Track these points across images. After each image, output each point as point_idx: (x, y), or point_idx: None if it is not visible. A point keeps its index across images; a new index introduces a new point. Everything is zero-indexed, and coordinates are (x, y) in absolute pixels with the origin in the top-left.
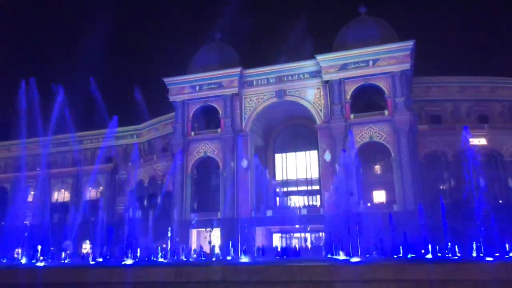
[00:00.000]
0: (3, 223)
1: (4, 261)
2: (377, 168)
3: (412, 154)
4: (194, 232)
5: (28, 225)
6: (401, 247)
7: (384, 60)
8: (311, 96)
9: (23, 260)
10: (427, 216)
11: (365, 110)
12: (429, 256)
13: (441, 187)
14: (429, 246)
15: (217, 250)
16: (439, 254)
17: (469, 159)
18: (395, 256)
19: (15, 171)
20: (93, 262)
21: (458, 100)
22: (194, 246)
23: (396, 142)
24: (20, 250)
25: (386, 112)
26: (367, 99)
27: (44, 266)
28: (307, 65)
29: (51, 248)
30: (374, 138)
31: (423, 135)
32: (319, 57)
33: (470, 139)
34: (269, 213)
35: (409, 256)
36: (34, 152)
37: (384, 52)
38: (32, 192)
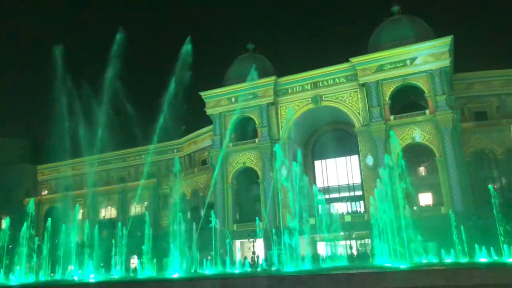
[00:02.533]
0: (56, 240)
1: (58, 277)
2: (422, 170)
3: (457, 153)
4: (237, 243)
5: (79, 242)
6: (451, 250)
7: (422, 58)
8: (348, 100)
9: (76, 276)
10: (478, 217)
11: (405, 111)
12: (483, 259)
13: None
14: (482, 249)
15: (261, 260)
16: (495, 258)
17: None
18: (446, 261)
19: (65, 191)
20: (142, 276)
21: (504, 94)
22: (238, 256)
23: (440, 142)
24: (72, 267)
25: (427, 111)
26: (407, 99)
27: (96, 281)
28: (342, 69)
29: (101, 264)
30: (416, 139)
31: (467, 133)
32: (354, 60)
33: None
34: (312, 221)
35: (460, 260)
36: (81, 171)
37: (421, 50)
38: (81, 210)
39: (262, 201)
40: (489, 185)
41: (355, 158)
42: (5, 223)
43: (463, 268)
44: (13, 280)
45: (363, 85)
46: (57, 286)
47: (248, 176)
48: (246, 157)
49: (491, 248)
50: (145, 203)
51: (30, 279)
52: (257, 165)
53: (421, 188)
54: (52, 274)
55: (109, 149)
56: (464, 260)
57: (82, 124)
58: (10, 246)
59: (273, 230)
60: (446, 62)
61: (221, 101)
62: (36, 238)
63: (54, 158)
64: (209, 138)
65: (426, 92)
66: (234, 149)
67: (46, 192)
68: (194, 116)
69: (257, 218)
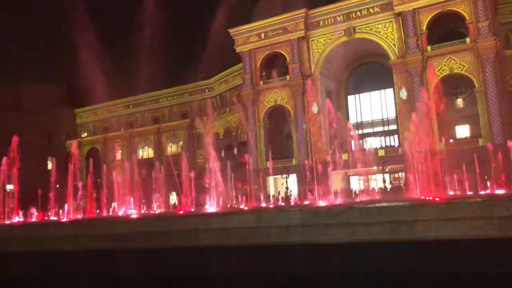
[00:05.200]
0: (98, 180)
1: (103, 214)
2: (459, 101)
3: (498, 83)
4: (270, 179)
5: (119, 181)
6: (488, 183)
7: None
8: (383, 31)
9: (120, 213)
10: None
11: (444, 41)
12: None
13: None
14: None
15: (294, 196)
16: None
17: None
18: (482, 193)
19: (103, 133)
20: (181, 212)
21: None
22: (271, 192)
23: (480, 72)
24: (116, 204)
25: (467, 40)
26: (445, 28)
27: (137, 217)
28: None
29: (142, 201)
30: (455, 69)
31: (511, 60)
32: None
33: None
34: (345, 156)
35: (497, 192)
36: (117, 113)
37: None
38: (120, 151)
39: (295, 138)
40: None
41: (389, 91)
42: (51, 164)
43: (499, 200)
44: (63, 217)
45: (399, 14)
46: (103, 221)
47: (280, 114)
48: (278, 95)
49: None
50: (180, 143)
51: (78, 216)
52: (289, 103)
53: (458, 120)
54: (97, 211)
55: (143, 91)
56: (501, 192)
57: (115, 67)
58: (57, 186)
59: (306, 166)
60: None
61: (250, 37)
62: (80, 177)
63: (91, 102)
64: (239, 76)
65: (467, 18)
66: (265, 87)
67: (85, 134)
68: (225, 55)
69: (289, 155)
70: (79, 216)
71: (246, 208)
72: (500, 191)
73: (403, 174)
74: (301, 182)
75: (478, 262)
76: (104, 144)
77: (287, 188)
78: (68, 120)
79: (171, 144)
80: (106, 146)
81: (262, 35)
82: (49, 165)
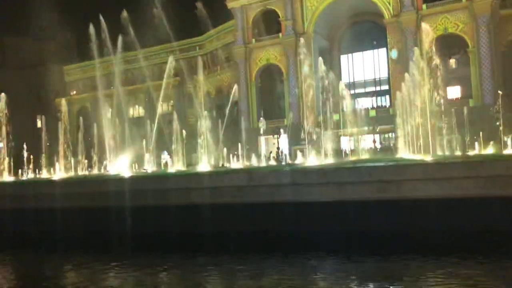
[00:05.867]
0: (89, 138)
1: (95, 172)
2: (452, 62)
3: (492, 43)
4: (262, 139)
5: (111, 139)
6: (476, 143)
7: None
8: None
9: (111, 171)
10: (508, 109)
11: None
12: (508, 150)
13: None
14: (507, 142)
15: (285, 155)
16: None
17: None
18: (469, 153)
19: (92, 91)
20: (173, 171)
21: None
22: (263, 152)
23: (475, 32)
24: (107, 162)
25: None
26: None
27: (129, 176)
28: None
29: (134, 160)
30: (449, 29)
31: (506, 20)
32: None
33: None
34: (336, 116)
35: (484, 151)
36: (106, 71)
37: None
38: (110, 110)
39: (287, 98)
40: None
41: (383, 51)
42: (41, 122)
43: (485, 159)
44: (55, 175)
45: None
46: (95, 180)
47: (272, 73)
48: (270, 54)
49: None
50: (171, 101)
51: (70, 174)
52: (281, 62)
53: (450, 81)
54: (89, 169)
55: (132, 48)
56: (488, 152)
57: (104, 24)
58: (47, 144)
59: (297, 126)
60: None
61: None
62: (71, 136)
63: (79, 59)
64: (231, 34)
65: None
66: (257, 45)
67: (74, 92)
68: (216, 11)
69: (281, 114)
70: (71, 174)
71: (237, 167)
72: (489, 151)
73: (393, 134)
74: (292, 142)
75: (464, 220)
76: (94, 102)
77: (278, 148)
78: (57, 78)
79: (161, 103)
80: (96, 105)
81: None
82: (39, 123)
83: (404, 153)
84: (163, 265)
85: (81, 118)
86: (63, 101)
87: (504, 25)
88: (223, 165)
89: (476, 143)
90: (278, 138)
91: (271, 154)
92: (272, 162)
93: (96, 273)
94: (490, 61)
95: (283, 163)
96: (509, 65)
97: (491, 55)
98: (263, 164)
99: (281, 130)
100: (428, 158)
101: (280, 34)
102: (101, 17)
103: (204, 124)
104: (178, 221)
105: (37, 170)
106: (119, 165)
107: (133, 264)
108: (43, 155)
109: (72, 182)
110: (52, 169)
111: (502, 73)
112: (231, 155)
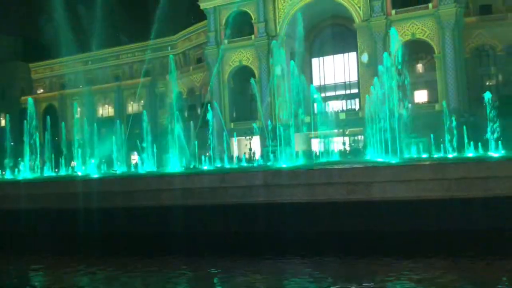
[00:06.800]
0: (56, 138)
1: (62, 173)
2: (419, 67)
3: (457, 49)
4: (234, 141)
5: (79, 139)
6: (441, 146)
7: None
8: None
9: (80, 172)
10: (470, 114)
11: (407, 5)
12: (472, 154)
13: (487, 83)
14: (471, 145)
15: (257, 157)
16: (490, 152)
17: None
18: (436, 156)
19: (60, 89)
20: (143, 172)
21: None
22: (235, 153)
23: (440, 38)
24: (75, 163)
25: (430, 5)
26: None
27: (97, 177)
28: None
29: (103, 160)
30: (417, 35)
31: (470, 28)
32: None
33: None
34: (307, 119)
35: (450, 155)
36: (76, 69)
37: None
38: (79, 109)
39: (259, 100)
40: (486, 82)
41: (353, 55)
42: (5, 120)
43: (450, 162)
44: (20, 176)
45: None
46: (63, 180)
47: (244, 74)
48: (242, 55)
49: (479, 144)
50: (142, 101)
51: (35, 175)
52: (254, 64)
53: (417, 85)
54: (56, 170)
55: (103, 47)
56: (452, 155)
57: (74, 20)
58: (11, 143)
59: (269, 128)
60: None
61: None
62: (37, 135)
63: (47, 56)
64: (204, 34)
65: None
66: (229, 46)
67: (41, 90)
68: (189, 11)
69: (253, 116)
70: (37, 175)
71: (209, 169)
72: (452, 155)
73: (362, 137)
74: (264, 143)
75: (429, 221)
76: (61, 101)
77: (250, 149)
78: (23, 75)
79: (132, 102)
80: (63, 104)
81: None
82: (2, 122)
83: (372, 155)
84: (131, 266)
85: (48, 117)
86: (30, 100)
87: (468, 32)
88: (194, 166)
89: (442, 146)
90: (250, 139)
91: (244, 156)
92: (244, 164)
93: (63, 275)
94: (455, 67)
95: (255, 164)
96: (472, 72)
97: (455, 61)
98: (235, 165)
99: (253, 132)
100: (396, 160)
101: (253, 36)
102: (64, 14)
103: (176, 125)
104: (148, 222)
105: (0, 171)
106: (88, 166)
107: (100, 266)
108: (7, 155)
109: (38, 182)
110: (17, 169)
111: (466, 79)
112: (202, 156)
